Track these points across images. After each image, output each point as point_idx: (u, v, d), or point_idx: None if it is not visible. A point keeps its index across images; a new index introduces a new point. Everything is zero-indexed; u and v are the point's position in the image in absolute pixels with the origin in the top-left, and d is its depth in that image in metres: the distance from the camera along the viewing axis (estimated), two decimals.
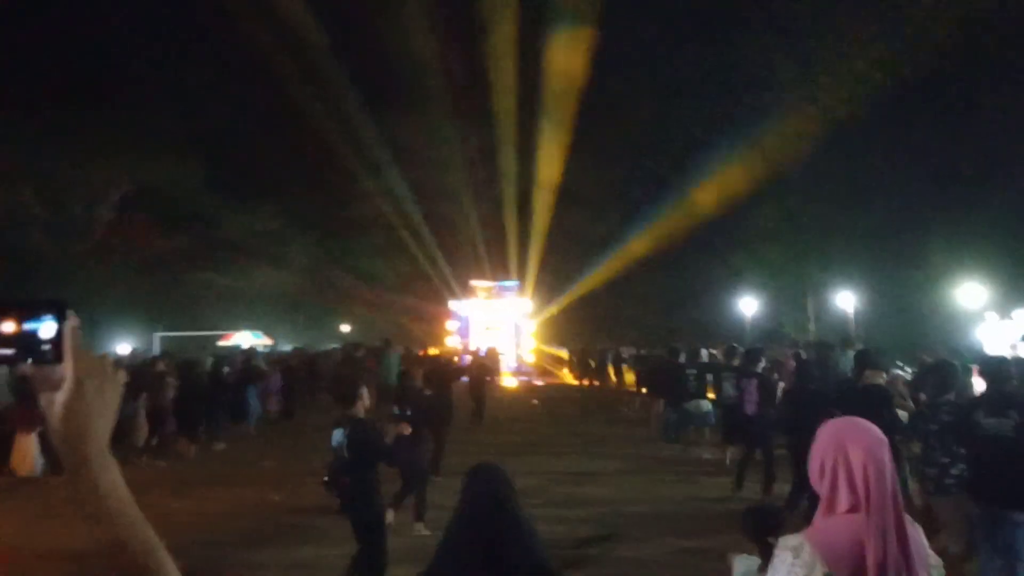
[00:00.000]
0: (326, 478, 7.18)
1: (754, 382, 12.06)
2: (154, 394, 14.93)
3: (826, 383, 10.67)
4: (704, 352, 18.73)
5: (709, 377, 15.58)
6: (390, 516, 9.20)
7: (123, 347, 25.63)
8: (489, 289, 37.28)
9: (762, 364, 12.82)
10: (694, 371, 15.75)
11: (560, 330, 43.85)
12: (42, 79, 29.77)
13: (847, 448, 2.41)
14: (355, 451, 6.70)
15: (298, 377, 22.47)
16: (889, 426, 6.63)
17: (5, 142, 28.15)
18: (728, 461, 13.09)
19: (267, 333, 36.90)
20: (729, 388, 13.30)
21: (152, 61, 33.16)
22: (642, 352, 23.09)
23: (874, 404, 7.67)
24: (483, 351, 24.42)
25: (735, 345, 15.82)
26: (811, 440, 2.59)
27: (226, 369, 18.48)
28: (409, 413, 9.80)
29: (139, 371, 15.89)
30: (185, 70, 33.78)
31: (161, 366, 16.29)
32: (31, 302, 1.24)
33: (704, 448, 15.00)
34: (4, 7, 28.14)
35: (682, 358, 17.15)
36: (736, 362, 14.10)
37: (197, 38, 33.45)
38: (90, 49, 30.72)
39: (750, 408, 11.88)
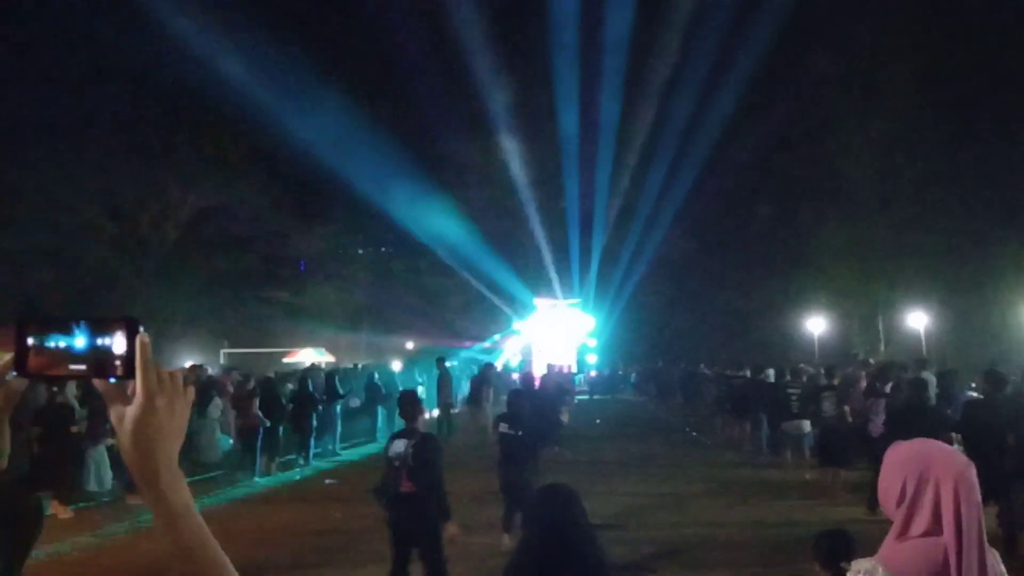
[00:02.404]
0: (375, 488, 7.22)
1: (881, 402, 11.86)
2: (246, 412, 15.08)
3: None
4: (770, 372, 18.35)
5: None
6: (506, 540, 9.24)
7: (189, 363, 25.92)
8: (553, 307, 37.21)
9: (890, 384, 12.50)
10: (797, 390, 15.38)
11: (623, 349, 43.63)
12: (112, 99, 30.41)
13: (935, 471, 2.32)
14: (420, 463, 6.83)
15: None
16: None
17: (78, 161, 28.86)
18: (830, 482, 12.77)
19: (330, 350, 37.16)
20: (830, 407, 13.12)
21: (221, 80, 33.73)
22: (727, 372, 22.77)
23: None
24: (557, 369, 24.20)
25: (832, 365, 15.63)
26: None
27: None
28: (521, 433, 9.64)
29: (206, 388, 16.00)
30: (252, 89, 34.24)
31: (251, 384, 16.40)
32: (103, 318, 1.25)
33: (805, 469, 14.54)
34: (70, 26, 28.79)
35: (771, 377, 16.93)
36: (837, 381, 14.00)
37: (265, 57, 33.84)
38: (158, 69, 31.28)
39: (875, 428, 11.69)
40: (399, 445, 6.97)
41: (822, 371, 15.96)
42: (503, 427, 9.69)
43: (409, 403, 7.32)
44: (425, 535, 6.82)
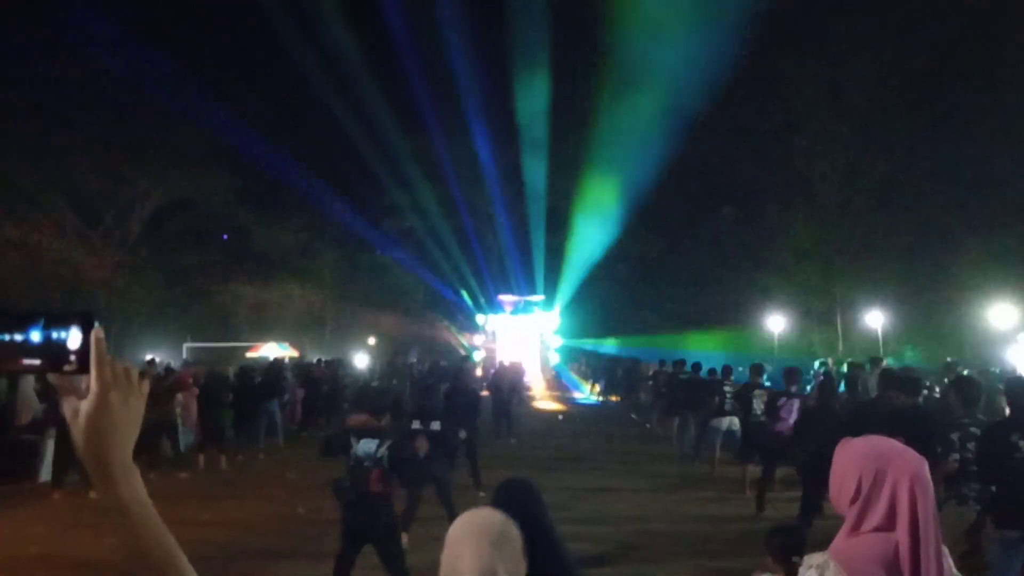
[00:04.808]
0: (346, 484, 6.93)
1: (795, 402, 11.85)
2: (160, 405, 14.83)
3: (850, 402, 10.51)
4: (717, 370, 18.33)
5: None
6: (404, 539, 9.17)
7: (150, 357, 25.75)
8: (516, 304, 37.27)
9: (796, 386, 12.56)
10: (730, 388, 15.32)
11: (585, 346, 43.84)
12: (76, 91, 30.13)
13: (891, 469, 2.35)
14: (395, 466, 6.78)
15: (321, 389, 22.28)
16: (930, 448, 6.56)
17: (40, 154, 28.56)
18: (748, 481, 12.93)
19: (294, 345, 37.06)
20: (758, 406, 13.10)
21: (185, 73, 33.53)
22: (666, 368, 22.72)
23: (920, 425, 7.53)
24: (508, 364, 24.37)
25: (761, 364, 15.61)
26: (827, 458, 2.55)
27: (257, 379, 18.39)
28: (437, 427, 9.73)
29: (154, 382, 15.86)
30: (218, 83, 34.07)
31: (172, 378, 16.20)
32: (58, 312, 1.24)
33: (734, 466, 14.62)
34: (35, 20, 28.54)
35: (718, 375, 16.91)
36: (764, 380, 14.01)
37: (230, 51, 33.72)
38: (122, 61, 31.05)
39: (783, 427, 11.64)
40: (368, 444, 6.81)
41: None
42: (415, 424, 9.76)
43: (380, 400, 7.31)
44: (382, 532, 6.83)
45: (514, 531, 2.12)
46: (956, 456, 7.15)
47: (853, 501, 2.39)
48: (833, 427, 8.46)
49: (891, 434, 2.55)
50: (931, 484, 2.34)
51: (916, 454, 2.42)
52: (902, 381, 8.76)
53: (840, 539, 2.42)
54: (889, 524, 2.31)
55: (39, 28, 28.72)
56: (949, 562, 2.41)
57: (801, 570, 2.48)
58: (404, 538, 9.23)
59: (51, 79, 29.34)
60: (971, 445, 6.88)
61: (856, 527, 2.38)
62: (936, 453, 6.90)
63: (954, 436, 7.10)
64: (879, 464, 2.37)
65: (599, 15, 36.07)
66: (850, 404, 11.18)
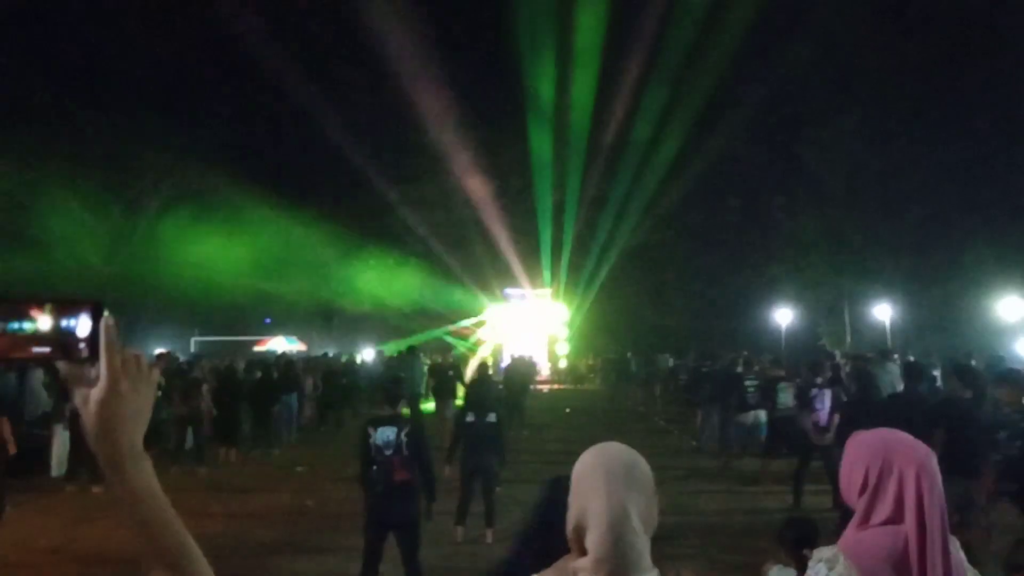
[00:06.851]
0: (365, 477, 6.87)
1: (828, 392, 11.75)
2: (190, 399, 14.83)
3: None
4: (740, 362, 18.26)
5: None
6: (460, 533, 9.34)
7: (160, 351, 25.81)
8: (522, 298, 37.19)
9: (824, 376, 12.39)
10: (755, 381, 15.13)
11: (593, 339, 43.81)
12: (82, 87, 30.17)
13: (898, 461, 2.33)
14: (414, 450, 6.81)
15: (339, 383, 22.31)
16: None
17: (49, 150, 28.58)
18: (770, 474, 12.89)
19: (301, 339, 37.03)
20: (787, 399, 13.01)
21: (189, 68, 33.49)
22: (680, 362, 22.70)
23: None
24: (519, 358, 24.38)
25: (777, 358, 15.51)
26: None
27: (258, 374, 18.35)
28: (493, 419, 9.72)
29: (173, 375, 15.88)
30: (222, 77, 34.05)
31: (198, 372, 16.13)
32: (68, 300, 1.23)
33: (758, 460, 14.17)
34: (41, 16, 28.57)
35: (739, 368, 16.82)
36: (781, 372, 13.97)
37: (233, 47, 33.57)
38: (127, 56, 31.06)
39: (823, 418, 11.52)
40: (387, 432, 6.79)
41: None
42: (469, 417, 9.69)
43: (395, 389, 7.33)
44: (409, 521, 6.82)
45: (644, 464, 2.10)
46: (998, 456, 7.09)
47: (861, 493, 2.38)
48: (878, 418, 8.38)
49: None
50: (939, 475, 2.32)
51: (923, 445, 2.40)
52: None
53: (850, 532, 2.40)
54: (898, 517, 2.29)
55: (48, 24, 28.76)
56: (960, 556, 2.38)
57: (811, 563, 2.45)
58: (458, 532, 9.34)
59: (58, 73, 29.39)
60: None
61: (865, 520, 2.36)
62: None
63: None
64: (885, 455, 2.35)
65: (604, 6, 35.96)
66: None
